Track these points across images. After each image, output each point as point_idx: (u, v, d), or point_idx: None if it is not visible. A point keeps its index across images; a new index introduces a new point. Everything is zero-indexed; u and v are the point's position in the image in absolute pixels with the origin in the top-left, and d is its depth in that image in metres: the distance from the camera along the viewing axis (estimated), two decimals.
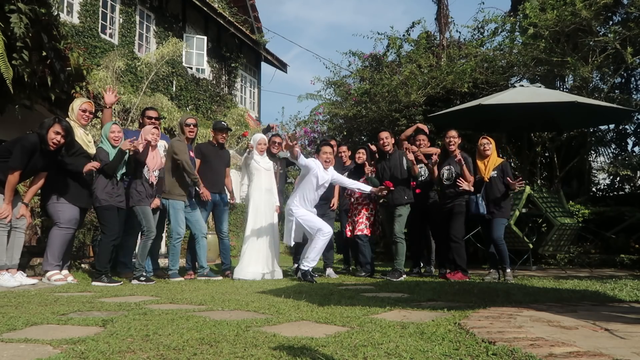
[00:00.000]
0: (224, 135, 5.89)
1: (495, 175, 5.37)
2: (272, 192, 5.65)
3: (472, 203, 5.29)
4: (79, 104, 4.94)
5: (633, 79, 9.79)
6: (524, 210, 6.96)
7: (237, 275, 5.27)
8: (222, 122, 5.96)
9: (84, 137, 4.91)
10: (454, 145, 5.48)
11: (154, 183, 5.08)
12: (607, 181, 10.15)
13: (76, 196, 4.74)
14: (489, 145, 5.46)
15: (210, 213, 5.92)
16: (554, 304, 3.12)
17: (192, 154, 5.63)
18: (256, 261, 5.33)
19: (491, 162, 5.43)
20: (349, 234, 5.96)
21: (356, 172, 5.95)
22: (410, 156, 5.42)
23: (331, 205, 5.99)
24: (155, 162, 5.11)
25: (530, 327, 2.22)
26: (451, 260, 5.42)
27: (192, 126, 5.61)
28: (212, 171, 5.70)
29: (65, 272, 4.78)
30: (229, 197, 5.98)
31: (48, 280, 4.55)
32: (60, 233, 4.65)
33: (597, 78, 8.98)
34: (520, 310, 2.75)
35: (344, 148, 6.52)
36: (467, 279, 5.16)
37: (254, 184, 5.58)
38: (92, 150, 4.93)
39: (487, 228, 5.38)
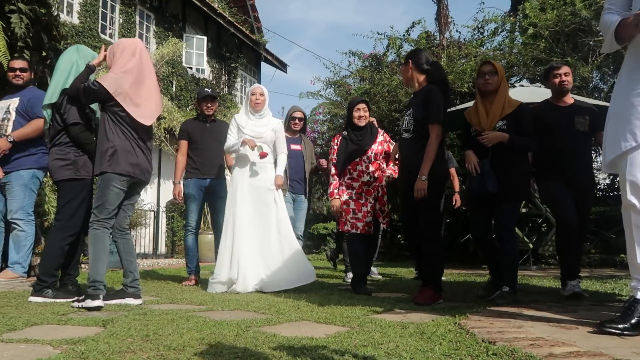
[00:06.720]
0: (209, 105, 4.65)
1: (505, 127, 3.33)
2: (266, 170, 4.07)
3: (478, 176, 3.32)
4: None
5: None
6: (523, 210, 6.95)
7: (209, 287, 3.95)
8: (206, 89, 4.74)
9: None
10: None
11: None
12: (607, 181, 10.13)
13: None
14: (493, 75, 3.32)
15: (205, 204, 4.84)
16: (554, 304, 3.12)
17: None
18: (228, 268, 3.90)
19: (497, 105, 3.35)
20: (357, 228, 3.94)
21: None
22: None
23: None
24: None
25: (530, 327, 2.22)
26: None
27: (297, 120, 4.94)
28: (200, 153, 4.59)
29: None
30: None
31: None
32: None
33: (597, 78, 8.98)
34: (520, 310, 2.75)
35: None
36: None
37: (237, 159, 4.14)
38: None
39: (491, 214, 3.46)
